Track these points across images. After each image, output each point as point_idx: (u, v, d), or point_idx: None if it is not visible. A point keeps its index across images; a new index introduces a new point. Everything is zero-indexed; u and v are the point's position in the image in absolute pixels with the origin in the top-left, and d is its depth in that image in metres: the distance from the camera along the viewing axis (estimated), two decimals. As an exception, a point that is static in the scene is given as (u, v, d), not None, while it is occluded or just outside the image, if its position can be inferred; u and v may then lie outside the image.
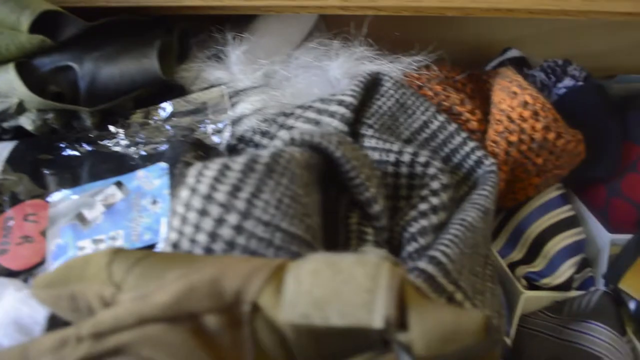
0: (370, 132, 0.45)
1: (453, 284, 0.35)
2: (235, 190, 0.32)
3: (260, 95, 0.47)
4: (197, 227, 0.32)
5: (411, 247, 0.38)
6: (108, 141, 0.49)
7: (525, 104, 0.46)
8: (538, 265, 0.50)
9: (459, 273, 0.36)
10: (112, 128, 0.49)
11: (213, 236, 0.32)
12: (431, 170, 0.41)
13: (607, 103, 0.54)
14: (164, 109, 0.49)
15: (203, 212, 0.32)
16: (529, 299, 0.49)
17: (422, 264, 0.34)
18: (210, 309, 0.27)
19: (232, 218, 0.31)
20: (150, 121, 0.49)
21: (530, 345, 0.47)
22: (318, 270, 0.27)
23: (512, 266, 0.50)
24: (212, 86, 0.48)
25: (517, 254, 0.51)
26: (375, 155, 0.43)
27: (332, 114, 0.45)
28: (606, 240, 0.51)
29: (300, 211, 0.35)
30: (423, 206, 0.39)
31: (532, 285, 0.49)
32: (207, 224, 0.32)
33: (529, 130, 0.46)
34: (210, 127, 0.48)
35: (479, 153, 0.45)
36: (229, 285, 0.27)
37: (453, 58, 0.56)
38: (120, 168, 0.47)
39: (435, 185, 0.40)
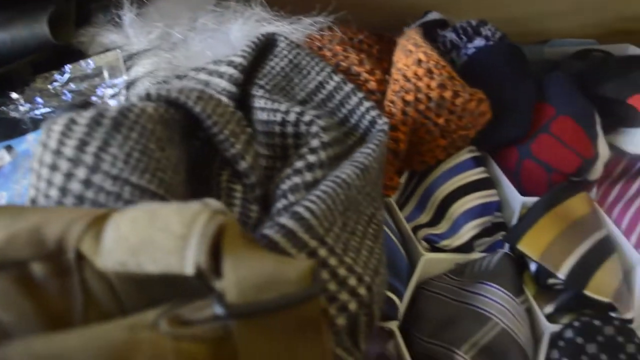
0: (260, 92, 0.44)
1: (316, 240, 0.34)
2: (82, 144, 0.32)
3: (153, 58, 0.46)
4: (49, 183, 0.32)
5: (280, 204, 0.37)
6: (7, 107, 0.49)
7: (419, 62, 0.45)
8: (442, 227, 0.49)
9: (325, 230, 0.35)
10: (13, 94, 0.49)
11: (63, 191, 0.31)
12: (314, 129, 0.40)
13: (520, 64, 0.53)
14: (62, 74, 0.49)
15: (53, 167, 0.31)
16: (430, 261, 0.48)
17: (283, 220, 0.34)
18: (34, 257, 0.27)
19: (81, 172, 0.31)
20: (49, 86, 0.49)
21: (428, 307, 0.47)
22: (136, 217, 0.27)
23: (417, 229, 0.50)
24: (107, 50, 0.48)
25: (424, 217, 0.51)
26: (264, 116, 0.43)
27: (221, 75, 0.44)
28: (518, 203, 0.50)
29: (152, 165, 0.34)
30: (299, 164, 0.39)
31: (435, 247, 0.49)
32: (57, 178, 0.31)
33: (425, 89, 0.45)
34: (106, 91, 0.48)
35: (373, 113, 0.45)
36: (50, 232, 0.27)
37: (373, 22, 0.55)
38: (14, 132, 0.47)
39: (314, 143, 0.39)
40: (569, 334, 0.43)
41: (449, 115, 0.47)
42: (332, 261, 0.36)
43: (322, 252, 0.35)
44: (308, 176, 0.38)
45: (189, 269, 0.25)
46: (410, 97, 0.46)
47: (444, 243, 0.48)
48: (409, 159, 0.52)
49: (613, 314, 0.43)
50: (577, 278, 0.44)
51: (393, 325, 0.44)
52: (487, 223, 0.49)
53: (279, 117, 0.41)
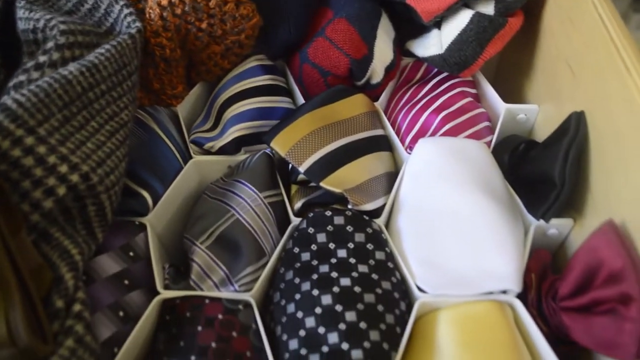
0: (22, 3, 0.45)
1: (23, 129, 0.36)
2: None
3: None
4: None
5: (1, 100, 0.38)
6: None
7: (165, -38, 0.45)
8: (215, 131, 0.50)
9: (37, 121, 0.36)
10: None
11: None
12: (53, 32, 0.41)
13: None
14: None
15: None
16: (199, 164, 0.49)
17: None
18: None
19: None
20: None
21: (195, 207, 0.48)
22: None
23: (196, 133, 0.51)
24: None
25: (207, 124, 0.51)
26: (22, 25, 0.44)
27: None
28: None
29: None
30: (29, 63, 0.40)
31: (205, 150, 0.50)
32: None
33: (176, -9, 0.46)
34: None
35: (129, 18, 0.45)
36: None
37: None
38: None
39: (49, 45, 0.40)
40: (303, 224, 0.43)
41: (210, 19, 0.47)
42: (41, 149, 0.37)
43: (29, 140, 0.36)
44: (34, 74, 0.39)
45: None
46: (164, 2, 0.46)
47: (208, 145, 0.49)
48: (196, 70, 0.52)
49: (349, 205, 0.44)
50: (317, 171, 0.44)
51: (144, 219, 0.45)
52: (263, 126, 0.50)
53: (31, 24, 0.43)
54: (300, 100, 0.53)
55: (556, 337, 0.39)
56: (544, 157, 0.42)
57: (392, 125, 0.51)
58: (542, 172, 0.42)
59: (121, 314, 0.40)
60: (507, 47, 0.49)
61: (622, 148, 0.37)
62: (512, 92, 0.55)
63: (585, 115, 0.42)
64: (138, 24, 0.45)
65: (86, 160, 0.39)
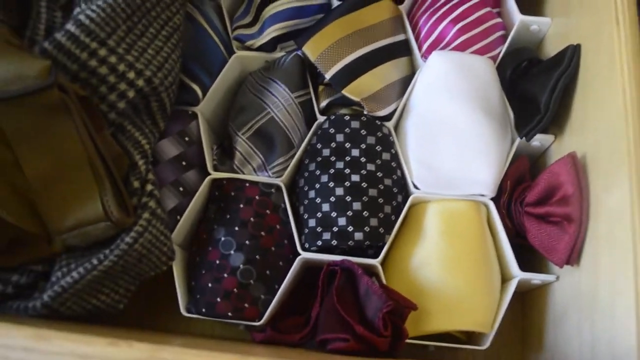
0: None
1: (96, 42, 0.44)
2: None
3: None
4: None
5: (75, 11, 0.45)
6: None
7: None
8: (254, 28, 0.56)
9: (107, 33, 0.44)
10: None
11: None
12: None
13: None
14: None
15: None
16: (240, 59, 0.56)
17: (68, 26, 0.43)
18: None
19: None
20: None
21: (237, 97, 0.56)
22: None
23: (236, 29, 0.57)
24: None
25: (248, 18, 0.57)
26: None
27: None
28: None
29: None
30: None
31: (245, 46, 0.56)
32: None
33: None
34: None
35: None
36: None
37: None
38: None
39: None
40: (325, 124, 0.52)
41: None
42: (112, 59, 0.45)
43: (102, 52, 0.44)
44: None
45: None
46: None
47: (249, 42, 0.55)
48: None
49: (365, 112, 0.52)
50: (340, 79, 0.51)
51: (196, 109, 0.54)
52: (298, 25, 0.56)
53: None
54: (332, -2, 0.57)
55: (518, 233, 0.49)
56: (537, 82, 0.48)
57: (413, 28, 0.56)
58: (533, 96, 0.48)
59: (181, 189, 0.51)
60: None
61: (598, 90, 0.43)
62: (532, 2, 0.58)
63: (581, 49, 0.47)
64: None
65: (148, 65, 0.48)
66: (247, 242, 0.49)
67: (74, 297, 0.43)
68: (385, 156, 0.51)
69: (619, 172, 0.38)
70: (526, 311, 0.53)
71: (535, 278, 0.48)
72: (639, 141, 0.38)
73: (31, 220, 0.42)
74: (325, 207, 0.49)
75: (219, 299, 0.47)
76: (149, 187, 0.47)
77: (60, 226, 0.42)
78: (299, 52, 0.54)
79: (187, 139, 0.53)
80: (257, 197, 0.50)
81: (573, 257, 0.43)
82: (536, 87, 0.48)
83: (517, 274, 0.48)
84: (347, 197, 0.49)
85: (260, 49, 0.56)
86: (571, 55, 0.47)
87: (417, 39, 0.55)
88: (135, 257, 0.44)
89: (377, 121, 0.52)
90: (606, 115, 0.41)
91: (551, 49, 0.54)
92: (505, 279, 0.50)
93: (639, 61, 0.39)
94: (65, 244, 0.43)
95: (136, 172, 0.47)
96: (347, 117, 0.51)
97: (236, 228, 0.49)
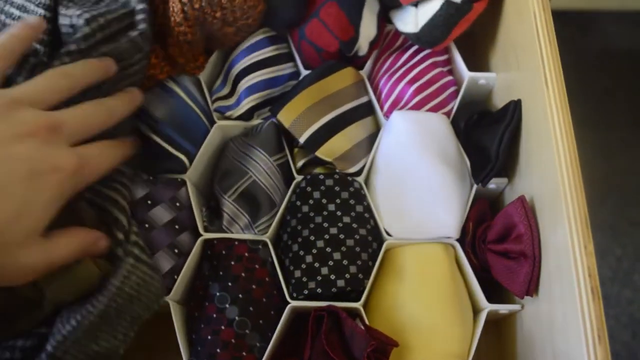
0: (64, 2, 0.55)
1: None
2: None
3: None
4: None
5: None
6: None
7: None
8: (232, 100, 0.62)
9: None
10: None
11: None
12: (80, 22, 0.50)
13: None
14: None
15: None
16: (222, 128, 0.62)
17: None
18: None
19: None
20: None
21: (220, 162, 0.62)
22: None
23: (215, 101, 0.63)
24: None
25: (225, 90, 0.63)
26: (62, 21, 0.54)
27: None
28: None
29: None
30: (62, 50, 0.49)
31: (225, 117, 0.62)
32: None
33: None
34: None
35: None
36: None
37: None
38: None
39: (78, 35, 0.49)
40: (303, 183, 0.58)
41: (223, 10, 0.57)
42: None
43: None
44: (66, 59, 0.49)
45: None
46: (186, -1, 0.56)
47: (229, 113, 0.61)
48: (211, 43, 0.63)
49: (337, 170, 0.58)
50: (313, 143, 0.57)
51: (184, 177, 0.59)
52: (271, 94, 0.62)
53: (67, 20, 0.52)
54: (299, 63, 0.64)
55: (483, 268, 0.55)
56: (487, 133, 0.55)
57: (375, 89, 0.63)
58: (484, 146, 0.55)
59: (176, 250, 0.56)
60: (474, 22, 0.59)
61: (537, 139, 0.50)
62: (477, 59, 0.65)
63: (521, 103, 0.54)
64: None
65: None
66: (240, 295, 0.54)
67: (76, 345, 0.46)
68: (359, 208, 0.56)
69: (559, 212, 0.44)
70: (500, 339, 0.59)
71: (502, 308, 0.53)
72: (572, 185, 0.44)
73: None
74: (309, 258, 0.54)
75: (218, 350, 0.52)
76: (133, 237, 0.51)
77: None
78: (274, 120, 0.60)
79: (178, 204, 0.58)
80: (246, 254, 0.55)
81: (531, 288, 0.49)
82: (486, 138, 0.55)
83: (486, 306, 0.53)
84: (327, 248, 0.54)
85: (238, 118, 0.61)
86: (513, 110, 0.53)
87: (378, 99, 0.62)
88: (126, 299, 0.48)
89: (348, 177, 0.58)
90: (544, 162, 0.48)
91: (499, 100, 0.61)
92: (476, 311, 0.55)
93: (567, 119, 0.45)
94: (54, 298, 0.47)
95: (119, 226, 0.51)
96: (321, 176, 0.57)
97: (229, 283, 0.54)
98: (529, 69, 0.52)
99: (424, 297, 0.53)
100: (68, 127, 0.45)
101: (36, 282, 0.45)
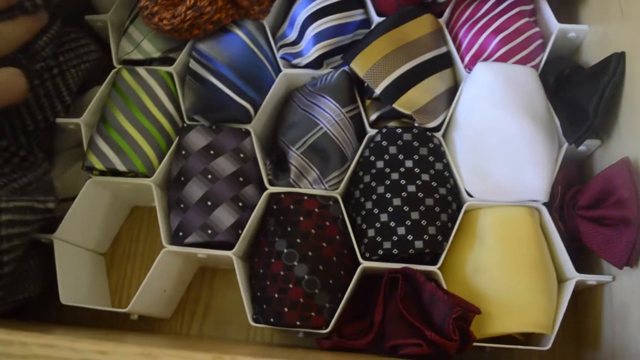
0: None
1: None
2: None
3: None
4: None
5: None
6: None
7: None
8: (299, 47, 0.58)
9: None
10: None
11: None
12: None
13: None
14: None
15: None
16: (288, 76, 0.58)
17: None
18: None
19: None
20: None
21: (284, 113, 0.58)
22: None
23: (282, 47, 0.59)
24: None
25: (291, 37, 0.59)
26: None
27: None
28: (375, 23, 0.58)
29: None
30: None
31: (292, 64, 0.58)
32: None
33: None
34: None
35: None
36: None
37: None
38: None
39: None
40: (377, 137, 0.54)
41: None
42: None
43: None
44: None
45: None
46: None
47: (295, 61, 0.57)
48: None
49: (416, 124, 0.54)
50: (390, 94, 0.53)
51: (249, 127, 0.56)
52: (341, 41, 0.58)
53: None
54: (372, 9, 0.59)
55: (571, 236, 0.51)
56: (583, 89, 0.50)
57: (454, 39, 0.58)
58: (580, 103, 0.50)
59: (240, 204, 0.53)
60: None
61: (649, 97, 0.45)
62: (567, 10, 0.60)
63: (626, 56, 0.49)
64: None
65: None
66: (309, 253, 0.50)
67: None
68: (438, 166, 0.52)
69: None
70: (580, 310, 0.55)
71: (591, 279, 0.49)
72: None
73: None
74: (384, 217, 0.51)
75: (286, 309, 0.49)
76: None
77: None
78: (346, 68, 0.56)
79: (242, 155, 0.55)
80: (316, 210, 0.52)
81: (632, 258, 0.45)
82: (583, 94, 0.50)
83: (574, 275, 0.49)
84: (405, 207, 0.50)
85: (306, 66, 0.57)
86: (616, 63, 0.49)
87: (458, 50, 0.57)
88: None
89: (427, 132, 0.54)
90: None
91: (589, 56, 0.56)
92: (561, 280, 0.51)
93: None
94: None
95: None
96: (399, 130, 0.53)
97: (298, 240, 0.51)
98: (636, 14, 0.47)
99: (506, 263, 0.49)
100: None
101: None
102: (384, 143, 0.53)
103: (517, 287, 0.49)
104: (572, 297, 0.51)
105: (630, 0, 0.49)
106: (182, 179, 0.54)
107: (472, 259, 0.50)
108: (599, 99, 0.49)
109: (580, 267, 0.50)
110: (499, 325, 0.48)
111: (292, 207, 0.52)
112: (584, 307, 0.54)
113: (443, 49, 0.58)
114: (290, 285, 0.50)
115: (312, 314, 0.49)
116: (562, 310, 0.49)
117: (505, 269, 0.49)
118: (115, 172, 0.54)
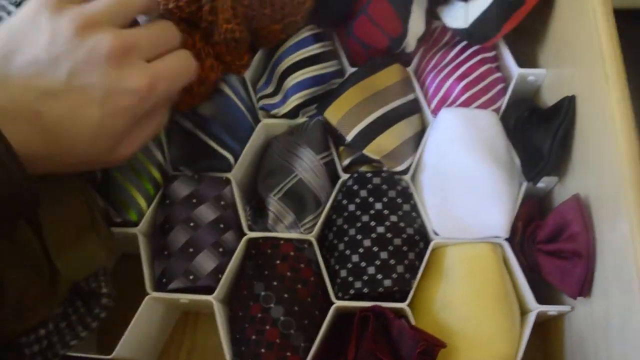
0: None
1: None
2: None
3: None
4: None
5: None
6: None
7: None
8: (277, 98, 0.62)
9: None
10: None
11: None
12: None
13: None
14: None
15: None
16: (267, 126, 0.62)
17: None
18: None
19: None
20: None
21: (264, 161, 0.62)
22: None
23: (261, 99, 0.63)
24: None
25: (270, 89, 0.63)
26: None
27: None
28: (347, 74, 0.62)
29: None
30: None
31: (270, 115, 0.62)
32: None
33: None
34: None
35: None
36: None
37: None
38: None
39: None
40: (349, 182, 0.57)
41: (272, 7, 0.57)
42: None
43: None
44: None
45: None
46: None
47: (274, 111, 0.61)
48: (258, 41, 0.63)
49: (385, 168, 0.57)
50: (360, 141, 0.57)
51: (229, 175, 0.59)
52: (317, 92, 0.61)
53: None
54: (345, 60, 0.63)
55: (532, 269, 0.53)
56: (539, 132, 0.53)
57: (422, 85, 0.62)
58: (536, 144, 0.53)
59: (221, 250, 0.56)
60: (526, 17, 0.57)
61: (595, 137, 0.48)
62: (526, 55, 0.64)
63: (576, 99, 0.52)
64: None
65: None
66: (285, 295, 0.53)
67: None
68: (406, 207, 0.55)
69: (619, 209, 0.43)
70: (545, 342, 0.57)
71: (552, 309, 0.52)
72: (635, 181, 0.42)
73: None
74: (355, 258, 0.54)
75: (263, 350, 0.52)
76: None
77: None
78: (320, 118, 0.60)
79: (222, 203, 0.58)
80: (291, 253, 0.55)
81: (585, 288, 0.47)
82: (539, 135, 0.53)
83: (535, 307, 0.52)
84: (375, 247, 0.53)
85: (284, 116, 0.61)
86: (567, 107, 0.52)
87: (425, 96, 0.61)
88: None
89: (395, 176, 0.57)
90: (603, 159, 0.46)
91: (548, 98, 0.59)
92: (523, 312, 0.53)
93: (629, 115, 0.43)
94: (66, 272, 0.47)
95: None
96: (369, 174, 0.56)
97: (275, 283, 0.54)
98: (585, 64, 0.50)
99: (471, 298, 0.52)
100: (140, 46, 0.45)
101: (49, 255, 0.46)
102: (355, 187, 0.57)
103: (482, 320, 0.51)
104: (538, 328, 0.53)
105: (580, 48, 0.52)
106: (167, 226, 0.57)
107: (439, 295, 0.53)
108: (552, 140, 0.52)
109: (543, 299, 0.53)
110: (464, 358, 0.50)
111: (269, 251, 0.56)
112: (548, 338, 0.56)
113: (411, 96, 0.61)
114: (267, 327, 0.52)
115: (288, 353, 0.52)
116: (525, 340, 0.51)
117: (470, 304, 0.52)
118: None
